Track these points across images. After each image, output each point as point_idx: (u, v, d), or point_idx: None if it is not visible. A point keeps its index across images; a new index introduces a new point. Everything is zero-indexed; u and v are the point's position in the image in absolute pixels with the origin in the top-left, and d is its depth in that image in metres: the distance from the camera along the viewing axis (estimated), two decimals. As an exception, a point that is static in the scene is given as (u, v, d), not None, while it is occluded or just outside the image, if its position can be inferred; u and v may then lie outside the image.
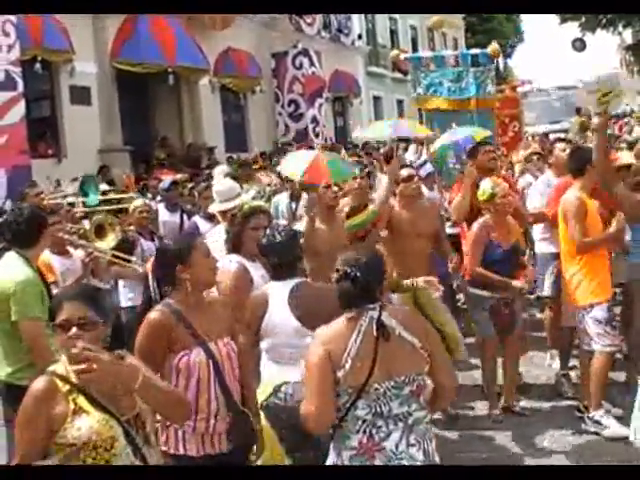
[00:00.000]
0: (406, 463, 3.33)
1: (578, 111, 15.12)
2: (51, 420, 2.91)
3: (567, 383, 6.89)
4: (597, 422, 5.97)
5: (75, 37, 16.87)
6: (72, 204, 7.40)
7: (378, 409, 3.36)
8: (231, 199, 6.57)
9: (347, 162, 9.44)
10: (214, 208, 6.74)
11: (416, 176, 6.87)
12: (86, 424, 2.92)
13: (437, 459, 3.47)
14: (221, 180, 8.08)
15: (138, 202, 8.07)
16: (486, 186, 6.35)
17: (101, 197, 7.39)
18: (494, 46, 9.67)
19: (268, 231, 4.68)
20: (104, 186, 10.58)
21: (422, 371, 3.44)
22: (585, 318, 6.01)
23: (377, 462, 3.39)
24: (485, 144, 7.59)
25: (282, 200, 9.14)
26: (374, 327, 3.36)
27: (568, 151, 7.06)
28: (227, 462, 3.88)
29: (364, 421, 3.38)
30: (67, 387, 2.95)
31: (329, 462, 3.53)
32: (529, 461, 5.61)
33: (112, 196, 7.39)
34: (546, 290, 7.20)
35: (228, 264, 4.89)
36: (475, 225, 6.44)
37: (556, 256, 6.77)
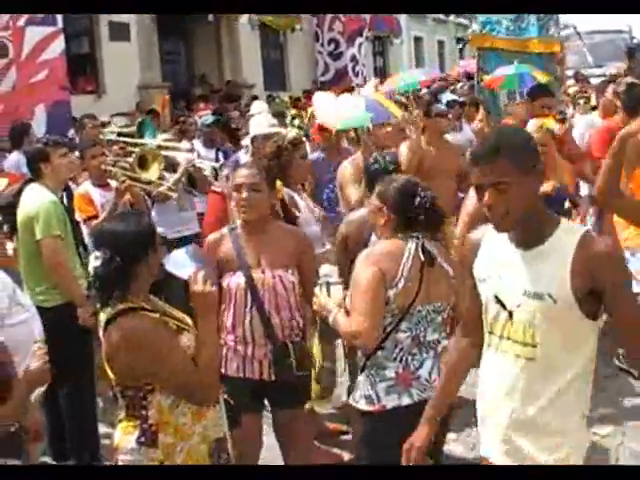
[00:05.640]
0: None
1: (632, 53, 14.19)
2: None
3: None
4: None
5: (114, -28, 16.73)
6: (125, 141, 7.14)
7: (417, 332, 3.45)
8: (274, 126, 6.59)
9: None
10: (261, 130, 6.52)
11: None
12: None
13: None
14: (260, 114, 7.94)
15: (162, 136, 7.62)
16: (529, 127, 6.09)
17: (156, 141, 7.06)
18: None
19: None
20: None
21: (451, 302, 3.60)
22: (631, 259, 5.49)
23: (414, 391, 3.44)
24: (547, 92, 6.96)
25: None
26: (420, 252, 3.45)
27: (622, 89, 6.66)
28: (267, 390, 3.96)
29: (402, 349, 3.45)
30: (157, 315, 3.01)
31: (359, 393, 3.52)
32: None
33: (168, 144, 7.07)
34: None
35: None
36: None
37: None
